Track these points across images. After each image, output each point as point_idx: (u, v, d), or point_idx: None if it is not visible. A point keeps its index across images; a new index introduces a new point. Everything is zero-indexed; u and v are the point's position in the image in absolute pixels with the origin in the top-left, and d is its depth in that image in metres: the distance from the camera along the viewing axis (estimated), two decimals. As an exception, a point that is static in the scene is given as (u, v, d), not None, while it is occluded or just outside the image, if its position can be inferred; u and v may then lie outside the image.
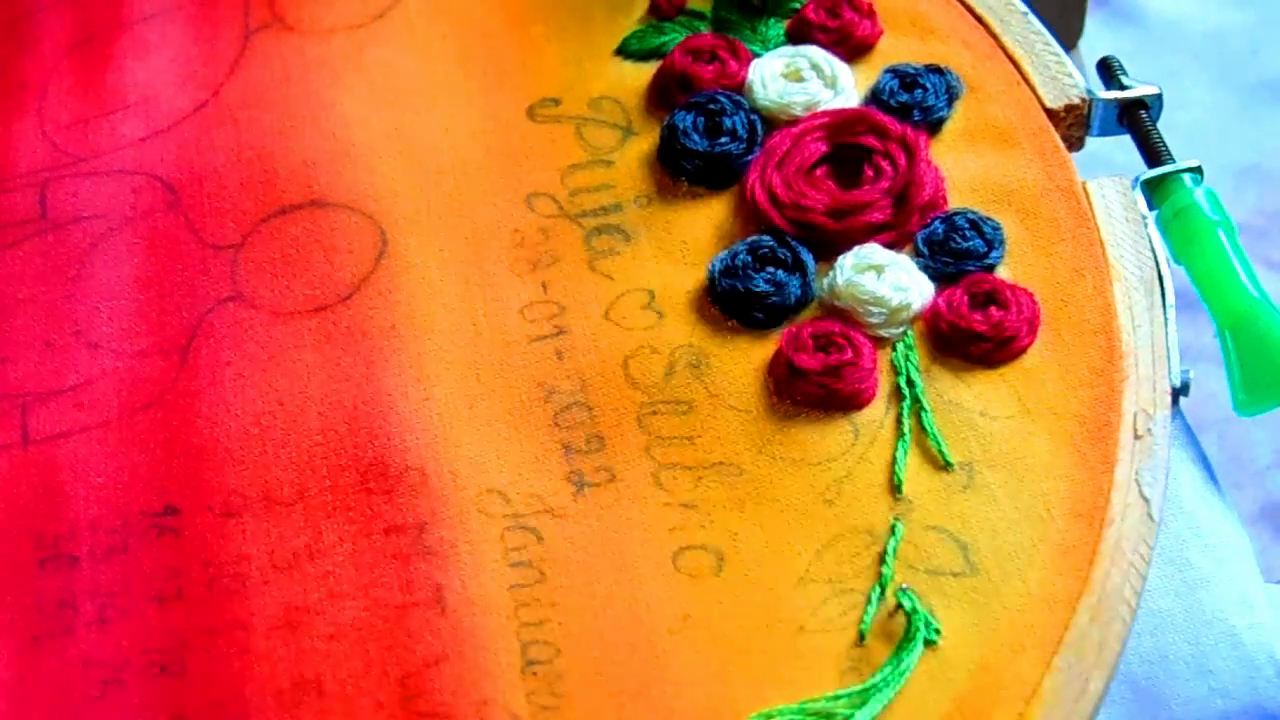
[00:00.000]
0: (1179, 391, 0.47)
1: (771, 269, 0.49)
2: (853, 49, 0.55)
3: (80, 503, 0.47)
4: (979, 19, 0.56)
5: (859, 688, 0.42)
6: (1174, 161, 0.52)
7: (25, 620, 0.45)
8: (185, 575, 0.45)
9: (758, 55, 0.54)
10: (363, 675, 0.43)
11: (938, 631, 0.42)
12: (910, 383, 0.47)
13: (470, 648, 0.43)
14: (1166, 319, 0.49)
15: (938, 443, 0.46)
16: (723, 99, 0.53)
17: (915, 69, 0.53)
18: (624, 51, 0.56)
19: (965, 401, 0.47)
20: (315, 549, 0.45)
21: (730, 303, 0.49)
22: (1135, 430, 0.46)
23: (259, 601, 0.44)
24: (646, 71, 0.55)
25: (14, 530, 0.47)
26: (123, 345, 0.51)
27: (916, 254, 0.50)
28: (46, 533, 0.47)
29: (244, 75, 0.57)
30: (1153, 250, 0.50)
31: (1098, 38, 0.95)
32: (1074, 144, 0.54)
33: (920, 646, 0.42)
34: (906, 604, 0.43)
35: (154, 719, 0.43)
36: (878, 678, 0.42)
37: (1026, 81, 0.54)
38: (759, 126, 0.52)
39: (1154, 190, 0.52)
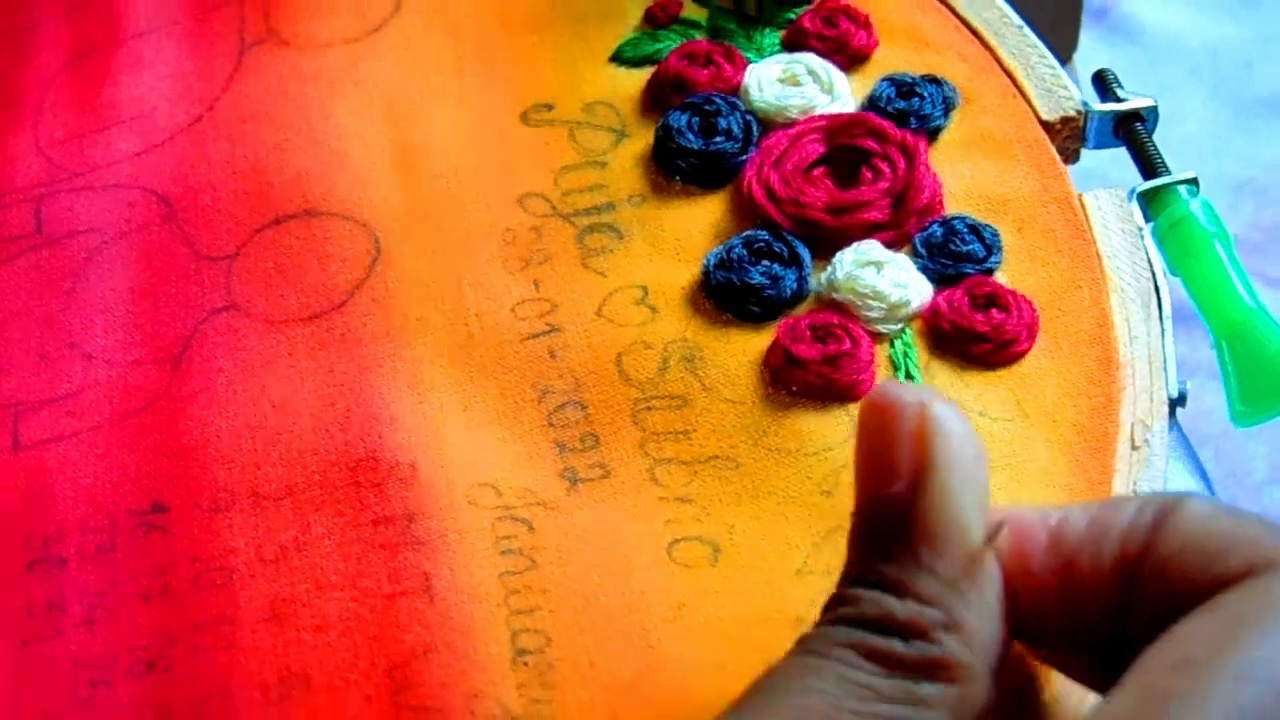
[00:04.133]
0: (1176, 402, 0.47)
1: (767, 263, 0.49)
2: (848, 59, 0.55)
3: (68, 504, 0.47)
4: (974, 32, 0.56)
5: None
6: (1170, 173, 0.52)
7: (14, 624, 0.44)
8: (172, 572, 0.45)
9: (753, 62, 0.55)
10: (350, 667, 0.42)
11: None
12: (909, 377, 0.47)
13: (459, 637, 0.42)
14: (1163, 330, 0.48)
15: (936, 436, 0.45)
16: (718, 100, 0.53)
17: (912, 78, 0.53)
18: (618, 58, 0.56)
19: (964, 400, 0.46)
20: (302, 541, 0.45)
21: (725, 296, 0.49)
22: (1133, 441, 0.46)
23: (245, 595, 0.44)
24: (640, 77, 0.55)
25: (2, 534, 0.46)
26: (116, 355, 0.50)
27: (914, 255, 0.49)
28: (35, 535, 0.46)
29: (239, 90, 0.57)
30: (1149, 261, 0.50)
31: (1093, 52, 0.95)
32: (1070, 156, 0.54)
33: None
34: None
35: (141, 717, 0.42)
36: None
37: (1022, 94, 0.54)
38: (754, 127, 0.52)
39: (1150, 202, 0.52)
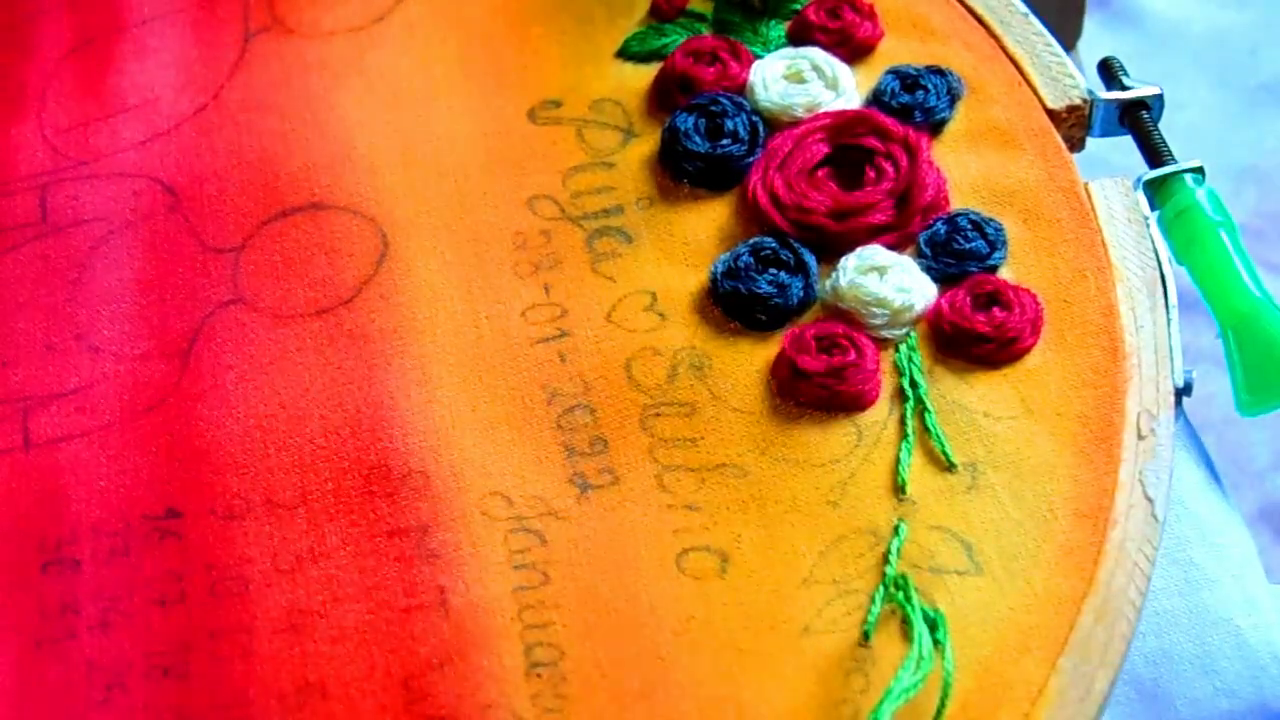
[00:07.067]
0: (1182, 392, 0.47)
1: (774, 271, 0.49)
2: (853, 50, 0.55)
3: (82, 506, 0.47)
4: (980, 20, 0.56)
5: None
6: (1175, 162, 0.52)
7: (28, 624, 0.45)
8: (187, 578, 0.45)
9: (759, 57, 0.54)
10: (366, 678, 0.43)
11: (944, 630, 0.42)
12: (913, 384, 0.47)
13: (474, 650, 0.43)
14: (1169, 319, 0.48)
15: (941, 443, 0.46)
16: (724, 100, 0.53)
17: (917, 70, 0.53)
18: (625, 53, 0.56)
19: (968, 402, 0.47)
20: (318, 551, 0.45)
21: (733, 304, 0.49)
22: (1139, 430, 0.46)
23: (262, 604, 0.44)
24: (647, 73, 0.55)
25: (16, 534, 0.47)
26: (124, 349, 0.51)
27: (919, 255, 0.50)
28: (49, 536, 0.47)
29: (244, 78, 0.57)
30: (1155, 251, 0.50)
31: (1097, 38, 0.94)
32: (1075, 145, 0.54)
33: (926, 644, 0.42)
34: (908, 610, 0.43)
35: None
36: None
37: (1028, 82, 0.54)
38: (760, 128, 0.52)
39: (1156, 191, 0.52)
